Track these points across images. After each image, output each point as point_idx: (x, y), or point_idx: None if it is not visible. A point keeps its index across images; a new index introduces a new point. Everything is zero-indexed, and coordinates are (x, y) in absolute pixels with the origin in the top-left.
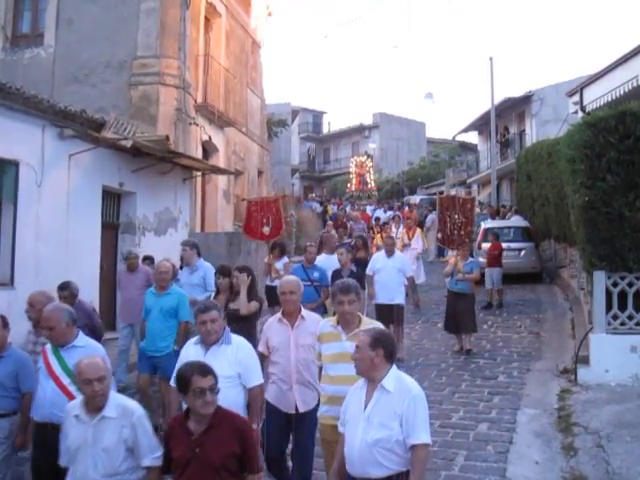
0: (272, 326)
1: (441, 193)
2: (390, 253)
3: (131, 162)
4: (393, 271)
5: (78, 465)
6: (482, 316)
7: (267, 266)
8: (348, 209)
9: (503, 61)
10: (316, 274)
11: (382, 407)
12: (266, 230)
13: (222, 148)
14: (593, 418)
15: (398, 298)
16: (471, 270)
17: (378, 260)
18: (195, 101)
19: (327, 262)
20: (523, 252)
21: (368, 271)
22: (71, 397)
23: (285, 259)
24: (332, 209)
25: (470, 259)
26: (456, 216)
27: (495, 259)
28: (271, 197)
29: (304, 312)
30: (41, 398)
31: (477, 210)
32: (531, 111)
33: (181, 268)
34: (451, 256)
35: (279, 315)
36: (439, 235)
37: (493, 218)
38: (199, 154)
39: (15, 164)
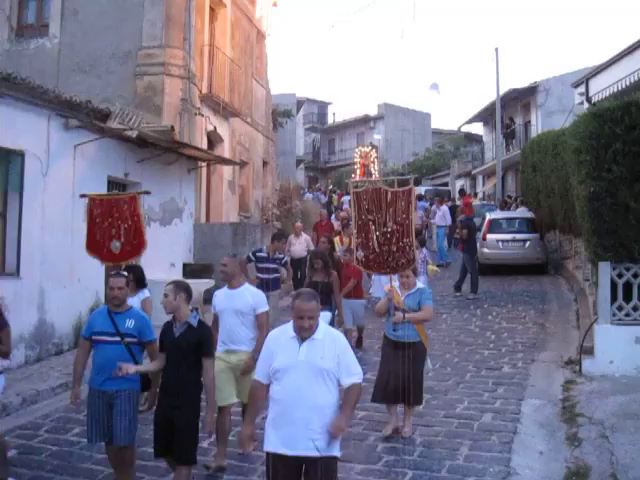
0: None
1: (446, 185)
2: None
3: (136, 152)
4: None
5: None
6: (487, 307)
7: None
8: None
9: (509, 52)
10: (130, 323)
11: None
12: (115, 246)
13: (227, 138)
14: (597, 409)
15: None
16: (417, 305)
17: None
18: (200, 91)
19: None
20: (528, 243)
21: (259, 377)
22: None
23: (146, 292)
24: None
25: (417, 286)
26: (384, 221)
27: (355, 288)
28: (124, 195)
29: None
30: None
31: (479, 202)
32: (537, 102)
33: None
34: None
35: None
36: (358, 253)
37: (502, 209)
38: (204, 144)
39: (21, 154)
